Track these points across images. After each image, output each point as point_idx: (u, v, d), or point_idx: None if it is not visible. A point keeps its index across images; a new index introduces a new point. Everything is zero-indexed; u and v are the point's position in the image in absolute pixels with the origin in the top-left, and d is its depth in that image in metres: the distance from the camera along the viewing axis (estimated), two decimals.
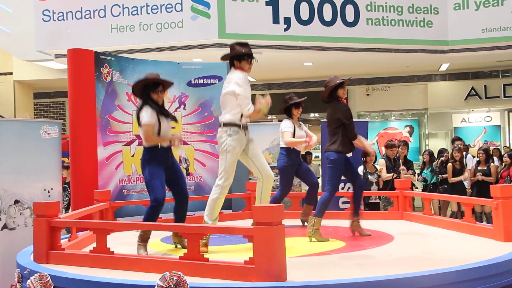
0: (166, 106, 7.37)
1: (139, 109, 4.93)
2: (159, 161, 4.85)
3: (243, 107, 4.86)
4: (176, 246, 5.07)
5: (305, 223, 6.23)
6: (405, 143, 9.35)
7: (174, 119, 5.09)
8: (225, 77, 7.67)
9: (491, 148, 11.36)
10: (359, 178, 5.74)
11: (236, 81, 4.90)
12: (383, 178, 8.10)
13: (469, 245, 4.72)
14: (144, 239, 4.70)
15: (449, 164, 9.40)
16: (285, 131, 6.12)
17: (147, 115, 4.79)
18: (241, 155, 5.11)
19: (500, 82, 14.55)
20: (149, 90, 4.91)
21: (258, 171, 5.15)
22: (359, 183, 5.63)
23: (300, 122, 6.40)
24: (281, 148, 6.24)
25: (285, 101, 6.27)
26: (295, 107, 6.21)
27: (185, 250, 3.85)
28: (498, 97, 14.51)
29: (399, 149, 9.07)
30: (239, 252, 4.60)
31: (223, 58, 5.22)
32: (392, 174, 8.10)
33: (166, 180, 4.94)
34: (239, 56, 5.01)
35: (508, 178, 9.11)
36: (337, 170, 5.43)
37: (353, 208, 5.62)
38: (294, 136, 6.15)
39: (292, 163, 6.12)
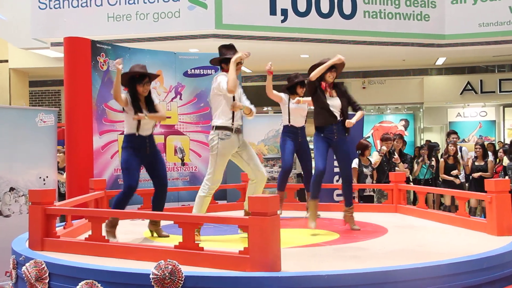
0: (162, 96, 7.43)
1: None
2: (135, 149, 4.93)
3: (224, 87, 4.87)
4: (152, 235, 5.12)
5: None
6: (401, 137, 9.37)
7: (154, 111, 5.06)
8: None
9: (486, 143, 11.41)
10: (346, 170, 5.49)
11: (221, 80, 4.96)
12: (374, 161, 8.12)
13: (462, 239, 4.76)
14: (113, 225, 4.78)
15: (441, 160, 9.42)
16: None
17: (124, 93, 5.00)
18: (235, 157, 5.15)
19: (496, 77, 14.60)
20: (135, 82, 4.96)
21: (253, 173, 5.19)
22: (345, 175, 5.48)
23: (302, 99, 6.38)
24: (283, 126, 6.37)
25: (290, 79, 6.27)
26: (301, 86, 6.23)
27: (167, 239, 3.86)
28: (494, 92, 14.57)
29: (395, 142, 9.09)
30: (233, 243, 4.63)
31: (212, 62, 5.30)
32: (380, 158, 8.14)
33: (146, 169, 5.09)
34: (226, 59, 5.04)
35: (502, 173, 9.16)
36: (317, 149, 5.32)
37: (343, 198, 5.63)
38: (288, 109, 6.23)
39: (288, 139, 6.22)
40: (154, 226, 5.11)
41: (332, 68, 5.41)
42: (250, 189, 5.23)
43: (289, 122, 6.25)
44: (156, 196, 5.14)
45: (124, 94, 5.00)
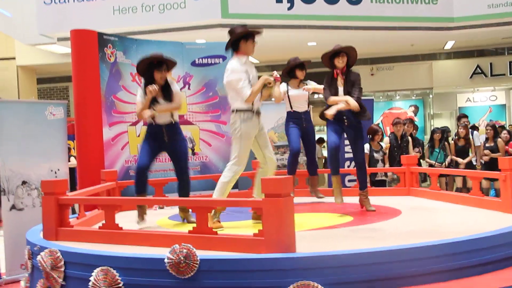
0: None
1: None
2: (151, 136, 5.06)
3: (241, 93, 4.80)
4: (183, 221, 5.22)
5: (313, 194, 6.42)
6: (411, 121, 9.31)
7: (170, 99, 5.08)
8: (229, 56, 7.69)
9: (497, 126, 11.31)
10: (357, 156, 5.51)
11: (231, 70, 4.85)
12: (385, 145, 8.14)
13: (477, 218, 4.71)
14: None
15: (452, 142, 9.38)
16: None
17: (138, 94, 5.08)
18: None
19: (506, 59, 14.44)
20: (153, 69, 5.01)
21: (265, 160, 5.16)
22: (357, 161, 5.51)
23: (307, 82, 6.35)
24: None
25: (289, 63, 6.27)
26: (300, 69, 6.23)
27: (194, 225, 3.85)
28: (504, 74, 14.40)
29: (405, 126, 9.04)
30: (247, 228, 4.62)
31: (227, 47, 5.08)
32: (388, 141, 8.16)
33: (170, 157, 5.24)
34: (238, 39, 4.89)
35: (507, 153, 9.10)
36: (329, 126, 5.39)
37: (358, 182, 5.69)
38: (288, 97, 6.28)
39: (292, 124, 6.23)
40: (183, 212, 5.20)
41: (340, 53, 5.39)
42: (259, 175, 5.15)
43: (292, 108, 6.26)
44: (178, 185, 5.24)
45: (141, 103, 5.02)
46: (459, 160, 9.14)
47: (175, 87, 5.21)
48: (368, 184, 7.45)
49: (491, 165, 8.89)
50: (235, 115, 4.88)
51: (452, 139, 9.53)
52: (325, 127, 5.63)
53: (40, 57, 12.42)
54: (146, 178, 5.05)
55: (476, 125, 13.76)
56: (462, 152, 9.28)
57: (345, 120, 5.39)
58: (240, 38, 4.89)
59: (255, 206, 3.57)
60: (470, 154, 9.32)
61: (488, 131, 9.42)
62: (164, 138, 5.05)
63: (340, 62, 5.40)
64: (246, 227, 4.68)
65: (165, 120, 5.06)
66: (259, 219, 4.76)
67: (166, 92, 5.08)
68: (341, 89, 5.41)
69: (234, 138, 4.91)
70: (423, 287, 3.25)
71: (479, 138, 10.03)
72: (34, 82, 13.60)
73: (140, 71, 5.12)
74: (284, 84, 6.29)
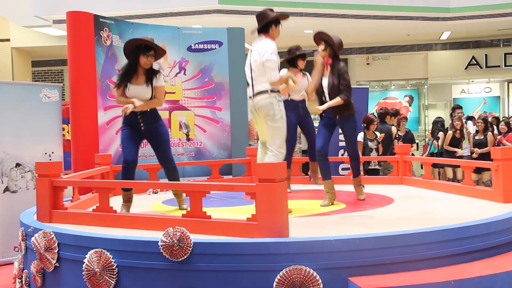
0: (166, 71, 7.39)
1: None
2: (127, 125, 4.84)
3: (271, 74, 4.66)
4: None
5: (311, 179, 6.39)
6: (404, 117, 9.28)
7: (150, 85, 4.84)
8: (225, 42, 7.71)
9: (490, 118, 11.37)
10: (350, 148, 5.37)
11: (273, 51, 4.70)
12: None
13: (469, 206, 4.75)
14: (125, 200, 4.79)
15: (449, 132, 9.39)
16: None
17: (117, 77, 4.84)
18: (262, 122, 4.94)
19: (501, 51, 14.48)
20: (139, 52, 4.78)
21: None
22: (350, 153, 5.39)
23: (306, 73, 6.33)
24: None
25: (291, 51, 6.17)
26: (302, 59, 6.16)
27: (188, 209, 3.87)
28: (498, 66, 14.45)
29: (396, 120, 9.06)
30: (240, 212, 4.65)
31: (262, 22, 4.82)
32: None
33: (151, 146, 4.99)
34: (270, 22, 4.79)
35: (502, 144, 9.14)
36: (318, 129, 5.28)
37: (351, 171, 5.62)
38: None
39: (290, 113, 5.89)
40: (176, 196, 5.11)
41: (320, 40, 5.20)
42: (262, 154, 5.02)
43: (289, 96, 6.14)
44: (166, 174, 5.09)
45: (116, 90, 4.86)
46: (457, 150, 9.17)
47: (161, 80, 4.90)
48: (362, 173, 7.50)
49: (480, 159, 8.96)
50: (270, 96, 4.69)
51: (447, 131, 9.54)
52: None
53: (35, 40, 12.34)
54: (134, 173, 4.81)
55: (471, 115, 13.86)
56: (457, 144, 9.32)
57: (335, 115, 5.21)
58: (272, 22, 4.81)
59: (248, 190, 3.59)
60: (464, 145, 9.36)
61: (480, 123, 9.43)
62: (141, 127, 4.84)
63: (321, 51, 5.17)
64: (240, 212, 4.71)
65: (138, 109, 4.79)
66: None
67: (149, 81, 4.83)
68: (325, 80, 5.19)
69: (274, 120, 4.70)
70: (414, 273, 3.30)
71: (473, 128, 10.09)
72: (29, 65, 13.52)
73: (126, 51, 4.85)
74: (287, 71, 6.15)
